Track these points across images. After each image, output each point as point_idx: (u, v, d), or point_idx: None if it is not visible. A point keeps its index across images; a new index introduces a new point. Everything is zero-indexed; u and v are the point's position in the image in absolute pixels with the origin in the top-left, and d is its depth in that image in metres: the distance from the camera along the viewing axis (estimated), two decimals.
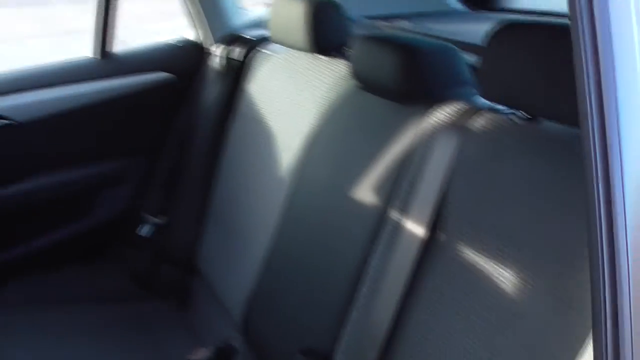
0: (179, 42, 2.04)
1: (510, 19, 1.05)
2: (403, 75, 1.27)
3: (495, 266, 1.01)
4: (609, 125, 0.61)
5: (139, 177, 2.00)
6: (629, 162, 0.63)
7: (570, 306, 0.90)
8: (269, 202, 1.58)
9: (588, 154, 0.61)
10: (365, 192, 1.30)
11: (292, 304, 1.41)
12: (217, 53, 1.96)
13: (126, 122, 1.91)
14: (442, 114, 1.20)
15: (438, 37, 1.74)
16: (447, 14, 2.35)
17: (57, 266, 1.91)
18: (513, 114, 1.09)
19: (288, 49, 1.70)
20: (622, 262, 0.62)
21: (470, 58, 1.37)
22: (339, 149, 1.42)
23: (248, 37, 1.94)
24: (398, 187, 1.23)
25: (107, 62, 1.91)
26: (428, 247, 1.13)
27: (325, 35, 1.54)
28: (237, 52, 1.89)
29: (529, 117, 1.06)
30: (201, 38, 2.03)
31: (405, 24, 2.14)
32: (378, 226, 1.25)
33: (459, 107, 1.19)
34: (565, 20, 0.68)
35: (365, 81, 1.38)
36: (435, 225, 1.13)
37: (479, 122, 1.13)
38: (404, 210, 1.19)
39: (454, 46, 1.32)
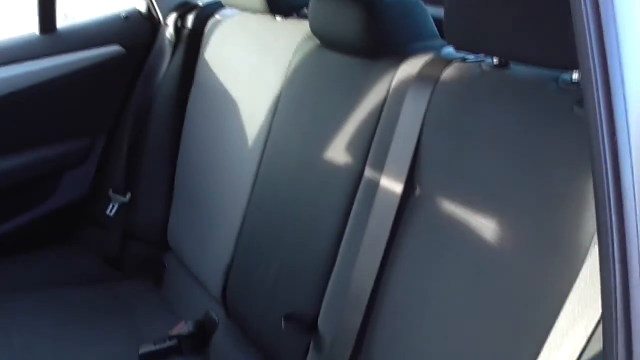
0: (129, 13, 1.97)
1: None
2: (366, 30, 1.25)
3: (474, 215, 1.01)
4: (611, 67, 0.59)
5: (101, 156, 1.95)
6: (633, 100, 0.61)
7: (554, 251, 0.90)
8: (238, 172, 1.56)
9: (591, 99, 0.59)
10: (338, 154, 1.29)
11: (271, 272, 1.40)
12: (170, 23, 1.90)
13: (80, 99, 1.85)
14: (410, 68, 1.19)
15: None
16: None
17: (23, 251, 1.87)
18: (482, 61, 1.08)
19: (243, 12, 1.66)
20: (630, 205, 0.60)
21: (434, 10, 1.35)
22: (307, 112, 1.39)
23: (200, 4, 1.88)
24: (371, 145, 1.22)
25: (53, 38, 1.83)
26: (406, 202, 1.12)
27: None
28: (191, 20, 1.84)
29: (498, 63, 1.05)
30: (152, 8, 1.96)
31: None
32: (354, 186, 1.24)
33: (427, 59, 1.18)
34: None
35: (327, 39, 1.36)
36: (411, 180, 1.12)
37: (449, 73, 1.12)
38: (379, 167, 1.18)
39: None
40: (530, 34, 0.91)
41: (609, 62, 0.58)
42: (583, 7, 0.57)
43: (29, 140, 1.80)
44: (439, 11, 1.10)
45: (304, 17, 1.48)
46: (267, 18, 1.58)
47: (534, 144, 0.95)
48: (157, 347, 1.54)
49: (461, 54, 1.12)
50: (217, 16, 1.80)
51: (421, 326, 1.07)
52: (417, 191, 1.11)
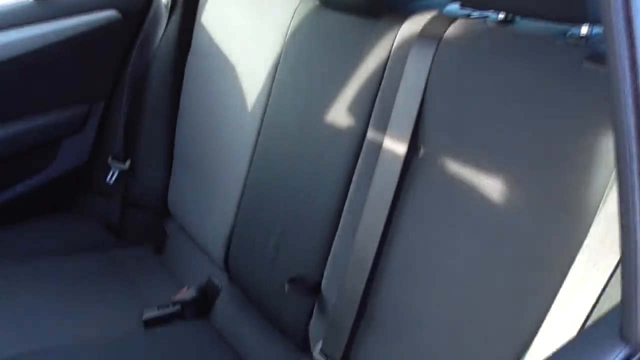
0: None
1: None
2: None
3: (480, 175, 0.99)
4: (636, 20, 0.56)
5: (100, 123, 1.92)
6: None
7: (562, 210, 0.89)
8: (238, 137, 1.54)
9: (614, 53, 0.56)
10: (340, 116, 1.27)
11: (274, 236, 1.39)
12: None
13: (77, 66, 1.82)
14: (413, 26, 1.16)
15: None
16: None
17: (24, 220, 1.86)
18: (487, 17, 1.06)
19: None
20: None
21: None
22: (307, 74, 1.37)
23: None
24: (373, 105, 1.19)
25: (48, 3, 1.79)
26: (410, 163, 1.11)
27: None
28: None
29: (504, 19, 1.03)
30: None
31: None
32: (356, 148, 1.22)
33: (430, 17, 1.15)
34: None
35: None
36: (415, 141, 1.10)
37: (453, 31, 1.09)
38: (382, 128, 1.16)
39: None
40: None
41: (633, 15, 0.56)
42: None
43: (26, 107, 1.78)
44: None
45: None
46: None
47: (542, 101, 0.93)
48: (161, 312, 1.54)
49: (465, 11, 1.09)
50: None
51: (426, 287, 1.06)
52: (421, 152, 1.10)
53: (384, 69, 1.19)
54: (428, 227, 1.07)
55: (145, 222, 1.90)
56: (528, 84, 0.96)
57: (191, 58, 1.76)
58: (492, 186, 0.98)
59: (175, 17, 1.83)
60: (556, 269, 0.88)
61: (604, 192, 0.84)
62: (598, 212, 0.83)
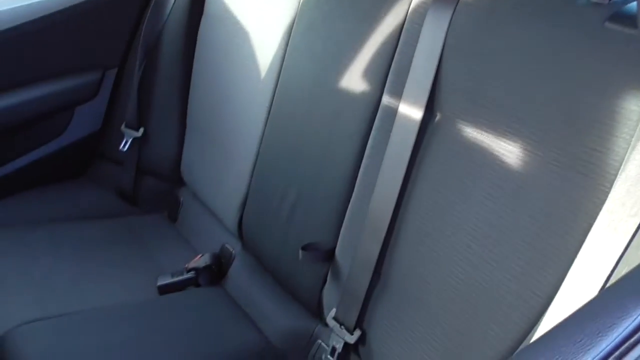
0: None
1: None
2: None
3: (497, 140, 0.98)
4: None
5: (113, 90, 1.92)
6: None
7: (578, 171, 0.88)
8: (251, 103, 1.53)
9: None
10: (354, 81, 1.25)
11: (287, 203, 1.39)
12: None
13: (89, 31, 1.81)
14: None
15: None
16: None
17: (38, 187, 1.87)
18: None
19: None
20: None
21: None
22: (321, 39, 1.35)
23: None
24: (389, 70, 1.18)
25: None
26: (426, 128, 1.09)
27: None
28: None
29: None
30: None
31: None
32: (371, 114, 1.21)
33: None
34: None
35: None
36: (431, 106, 1.09)
37: None
38: (397, 93, 1.14)
39: None
40: None
41: None
42: None
43: (39, 74, 1.78)
44: None
45: None
46: None
47: (562, 63, 0.91)
48: (175, 279, 1.55)
49: None
50: None
51: (441, 253, 1.05)
52: (438, 117, 1.08)
53: (400, 33, 1.17)
54: (444, 192, 1.06)
55: (158, 189, 1.90)
56: (547, 45, 0.94)
57: (204, 24, 1.74)
58: (509, 150, 0.96)
59: None
60: (574, 233, 0.87)
61: (624, 155, 0.82)
62: (618, 176, 0.81)
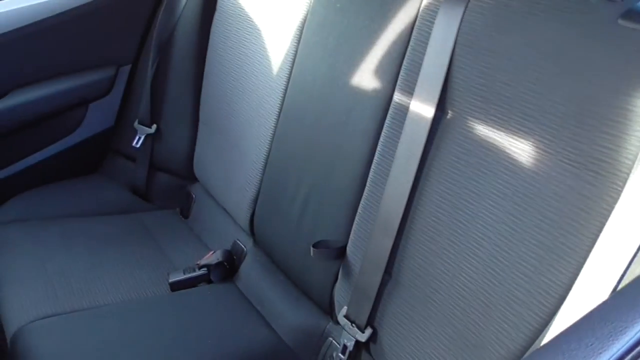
0: None
1: None
2: None
3: (509, 138, 0.97)
4: None
5: (126, 87, 1.93)
6: None
7: (591, 169, 0.87)
8: (263, 99, 1.53)
9: None
10: (366, 78, 1.25)
11: (299, 199, 1.39)
12: None
13: (103, 28, 1.81)
14: None
15: None
16: None
17: (53, 182, 1.88)
18: None
19: None
20: None
21: None
22: (334, 34, 1.34)
23: None
24: (400, 67, 1.17)
25: None
26: (437, 125, 1.09)
27: None
28: None
29: None
30: None
31: None
32: (383, 111, 1.20)
33: None
34: None
35: None
36: (443, 103, 1.08)
37: None
38: (409, 90, 1.14)
39: None
40: None
41: None
42: None
43: (53, 70, 1.79)
44: None
45: None
46: None
47: (574, 60, 0.90)
48: (187, 275, 1.56)
49: None
50: None
51: (452, 251, 1.05)
52: (449, 114, 1.08)
53: (412, 30, 1.17)
54: (455, 190, 1.06)
55: (171, 186, 1.91)
56: (560, 42, 0.93)
57: (217, 19, 1.74)
58: (521, 148, 0.96)
59: None
60: (587, 232, 0.86)
61: (638, 153, 0.81)
62: (631, 175, 0.80)
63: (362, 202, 1.24)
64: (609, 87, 0.86)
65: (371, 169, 1.21)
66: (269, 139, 1.49)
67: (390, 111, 1.18)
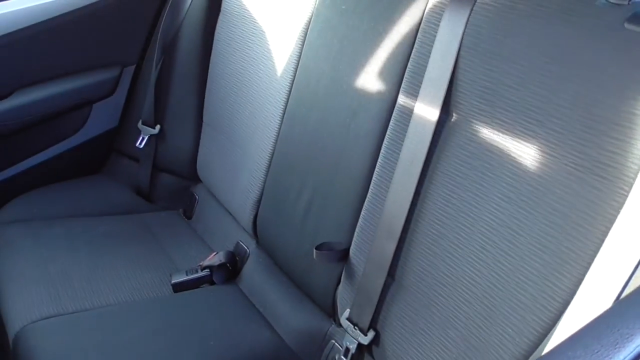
0: None
1: None
2: None
3: (514, 141, 0.97)
4: None
5: (130, 87, 1.93)
6: None
7: (597, 174, 0.86)
8: (267, 101, 1.52)
9: None
10: (370, 80, 1.24)
11: (302, 201, 1.38)
12: None
13: (108, 29, 1.82)
14: None
15: None
16: None
17: (55, 181, 1.88)
18: None
19: None
20: None
21: None
22: (339, 36, 1.34)
23: None
24: (405, 69, 1.17)
25: None
26: (442, 128, 1.08)
27: None
28: None
29: None
30: None
31: None
32: (387, 113, 1.20)
33: None
34: None
35: None
36: (447, 106, 1.08)
37: None
38: (414, 93, 1.13)
39: None
40: None
41: None
42: None
43: (57, 71, 1.79)
44: None
45: None
46: None
47: (581, 64, 0.90)
48: (189, 277, 1.55)
49: None
50: None
51: (456, 254, 1.05)
52: (454, 117, 1.07)
53: (417, 32, 1.16)
54: (459, 193, 1.05)
55: (174, 186, 1.91)
56: (566, 46, 0.92)
57: (221, 21, 1.74)
58: (526, 152, 0.95)
59: None
60: (592, 237, 0.86)
61: None
62: (637, 179, 0.80)
63: (365, 204, 1.24)
64: (615, 91, 0.85)
65: (375, 172, 1.21)
66: (272, 140, 1.49)
67: (394, 114, 1.18)
